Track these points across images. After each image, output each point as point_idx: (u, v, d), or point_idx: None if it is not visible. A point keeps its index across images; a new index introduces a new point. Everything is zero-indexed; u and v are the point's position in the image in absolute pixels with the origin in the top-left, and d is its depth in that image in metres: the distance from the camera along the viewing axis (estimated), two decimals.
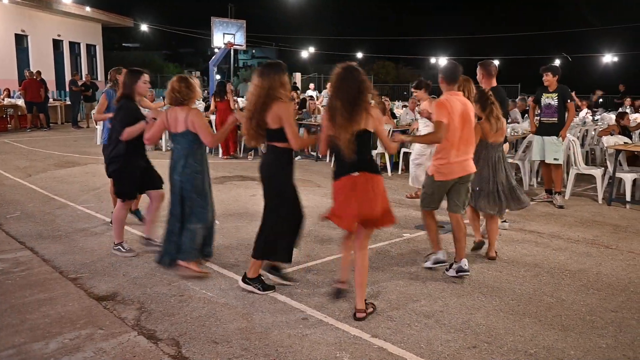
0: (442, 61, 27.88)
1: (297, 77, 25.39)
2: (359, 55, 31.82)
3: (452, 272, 3.64)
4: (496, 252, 4.08)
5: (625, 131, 7.28)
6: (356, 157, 2.85)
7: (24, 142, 10.91)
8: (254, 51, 49.95)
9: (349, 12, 64.68)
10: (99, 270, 3.70)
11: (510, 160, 4.24)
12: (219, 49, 15.83)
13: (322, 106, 12.20)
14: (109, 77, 4.77)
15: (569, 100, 5.86)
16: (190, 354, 2.59)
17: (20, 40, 17.63)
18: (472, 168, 3.61)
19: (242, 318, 2.97)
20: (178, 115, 3.44)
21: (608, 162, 6.23)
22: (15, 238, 4.40)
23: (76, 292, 3.31)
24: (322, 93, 16.66)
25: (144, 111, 4.13)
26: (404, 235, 4.65)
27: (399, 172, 7.89)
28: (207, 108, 11.10)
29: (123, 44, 42.12)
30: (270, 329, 2.84)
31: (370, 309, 3.05)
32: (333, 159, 3.08)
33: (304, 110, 10.31)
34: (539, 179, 7.09)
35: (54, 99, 16.08)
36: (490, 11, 55.65)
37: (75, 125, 14.24)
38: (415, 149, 5.83)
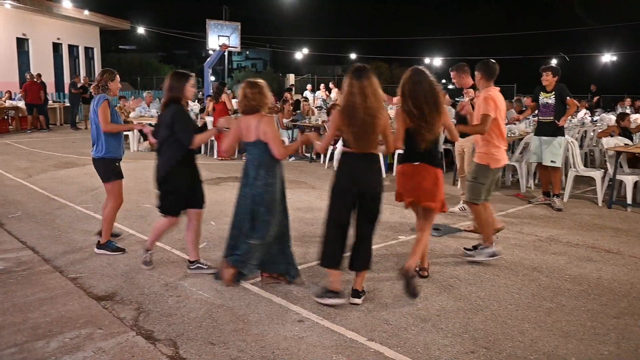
0: (436, 61, 27.93)
1: (291, 78, 25.45)
2: (353, 56, 31.83)
3: (482, 257, 3.95)
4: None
5: (626, 132, 7.22)
6: (422, 149, 3.30)
7: (25, 143, 10.94)
8: (247, 52, 50.10)
9: (342, 13, 64.98)
10: (97, 270, 3.71)
11: (507, 162, 4.38)
12: (213, 51, 15.89)
13: (316, 107, 12.24)
14: (97, 82, 3.98)
15: (568, 98, 5.86)
16: (188, 355, 2.59)
17: (22, 43, 17.74)
18: (506, 159, 4.09)
19: (238, 320, 2.98)
20: (250, 123, 3.26)
21: (608, 164, 6.20)
22: (17, 238, 4.42)
23: (76, 291, 3.33)
24: (316, 94, 16.70)
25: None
26: (400, 237, 4.65)
27: (393, 173, 7.87)
28: (202, 110, 11.14)
29: (120, 47, 42.28)
30: (266, 331, 2.85)
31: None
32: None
33: (298, 111, 10.34)
34: (536, 181, 7.10)
35: (53, 101, 16.12)
36: (485, 11, 55.94)
37: (74, 126, 14.31)
38: None
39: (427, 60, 27.92)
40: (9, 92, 14.35)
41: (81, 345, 2.64)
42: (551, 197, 5.96)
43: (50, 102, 14.94)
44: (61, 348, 2.61)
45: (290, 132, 9.89)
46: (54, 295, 3.25)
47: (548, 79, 5.87)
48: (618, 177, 6.01)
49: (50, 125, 14.14)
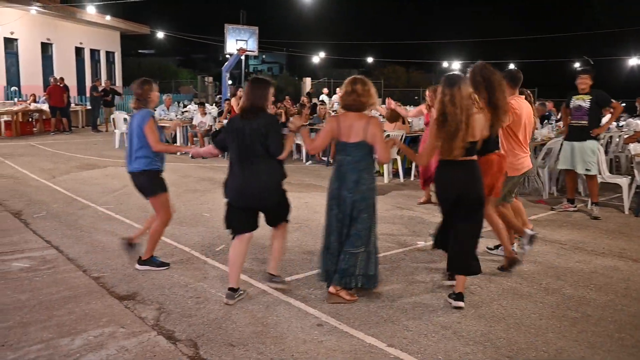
0: (454, 65, 27.63)
1: (307, 82, 25.46)
2: (369, 59, 31.71)
3: (527, 248, 4.03)
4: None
5: None
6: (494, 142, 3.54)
7: (48, 145, 11.22)
8: (264, 56, 50.47)
9: (359, 16, 64.88)
10: (119, 270, 3.77)
11: (529, 168, 4.38)
12: (231, 55, 16.08)
13: (332, 111, 12.24)
14: (138, 96, 3.69)
15: (609, 105, 5.70)
16: (208, 356, 2.61)
17: (46, 48, 18.24)
18: (531, 164, 4.08)
19: (257, 322, 2.99)
20: (354, 123, 3.07)
21: (635, 171, 6.01)
22: (42, 237, 4.53)
23: (99, 290, 3.38)
24: (333, 98, 16.71)
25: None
26: (418, 243, 4.60)
27: (412, 178, 7.83)
28: (220, 113, 11.34)
29: (139, 51, 43.07)
30: (285, 334, 2.85)
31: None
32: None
33: (315, 115, 10.39)
34: (558, 187, 6.95)
35: (75, 104, 16.51)
36: (505, 14, 55.09)
37: (95, 129, 14.61)
38: None
39: (445, 64, 27.64)
40: (34, 95, 14.74)
41: (104, 343, 2.69)
42: (590, 205, 5.80)
43: (72, 105, 15.30)
44: (85, 345, 2.66)
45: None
46: (78, 293, 3.31)
47: (588, 82, 5.63)
48: None
49: (72, 128, 14.48)
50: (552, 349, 2.78)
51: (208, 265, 3.92)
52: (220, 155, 3.88)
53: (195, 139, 10.10)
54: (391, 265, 4.01)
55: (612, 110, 6.05)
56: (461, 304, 3.22)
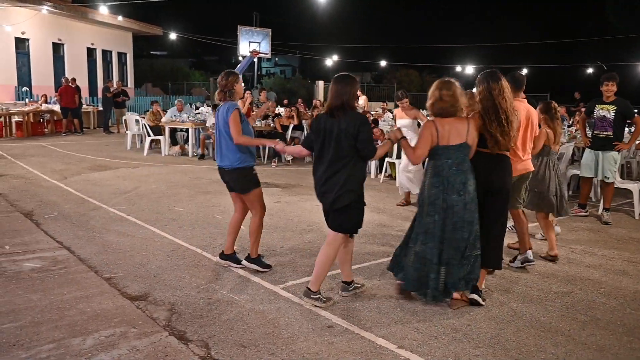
0: (468, 69, 27.48)
1: (320, 85, 25.49)
2: (383, 63, 31.62)
3: (517, 264, 4.05)
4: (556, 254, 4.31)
5: None
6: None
7: (60, 145, 11.36)
8: (277, 59, 50.58)
9: (372, 19, 64.86)
10: (131, 270, 3.81)
11: (530, 170, 4.36)
12: (244, 57, 16.19)
13: None
14: (223, 87, 3.64)
15: (635, 116, 5.63)
16: (220, 356, 2.63)
17: (57, 48, 18.43)
18: (531, 167, 3.95)
19: (268, 323, 3.01)
20: (456, 126, 3.09)
21: None
22: (53, 237, 4.58)
23: (110, 291, 3.42)
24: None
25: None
26: None
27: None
28: None
29: (151, 52, 43.37)
30: (296, 335, 2.87)
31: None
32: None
33: None
34: (570, 192, 6.91)
35: (87, 105, 16.69)
36: (518, 19, 54.73)
37: (107, 130, 14.74)
38: (404, 158, 5.91)
39: (458, 68, 27.47)
40: (45, 95, 14.93)
41: (116, 343, 2.72)
42: (602, 211, 5.79)
43: (84, 105, 15.48)
44: (97, 345, 2.69)
45: None
46: (90, 294, 3.35)
47: (613, 89, 5.52)
48: None
49: (83, 129, 14.64)
50: (561, 351, 2.78)
51: (219, 267, 3.95)
52: (309, 157, 3.87)
53: (207, 141, 10.16)
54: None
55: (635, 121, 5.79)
56: (480, 300, 3.31)
